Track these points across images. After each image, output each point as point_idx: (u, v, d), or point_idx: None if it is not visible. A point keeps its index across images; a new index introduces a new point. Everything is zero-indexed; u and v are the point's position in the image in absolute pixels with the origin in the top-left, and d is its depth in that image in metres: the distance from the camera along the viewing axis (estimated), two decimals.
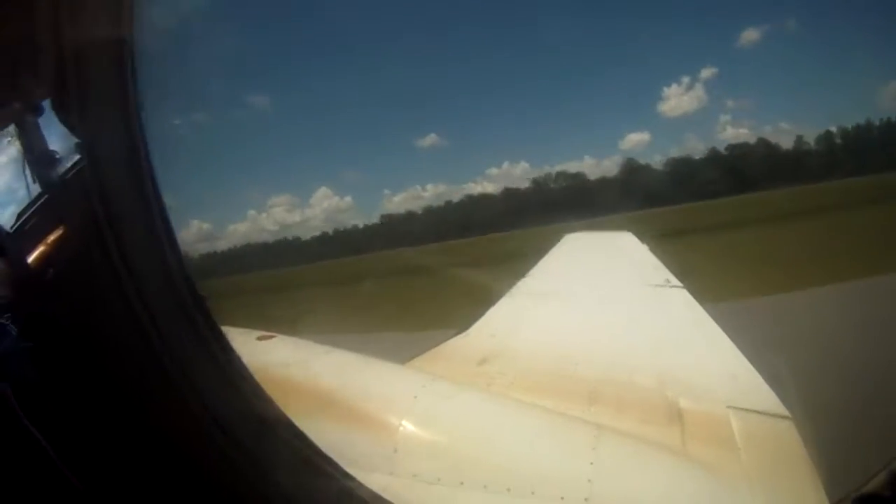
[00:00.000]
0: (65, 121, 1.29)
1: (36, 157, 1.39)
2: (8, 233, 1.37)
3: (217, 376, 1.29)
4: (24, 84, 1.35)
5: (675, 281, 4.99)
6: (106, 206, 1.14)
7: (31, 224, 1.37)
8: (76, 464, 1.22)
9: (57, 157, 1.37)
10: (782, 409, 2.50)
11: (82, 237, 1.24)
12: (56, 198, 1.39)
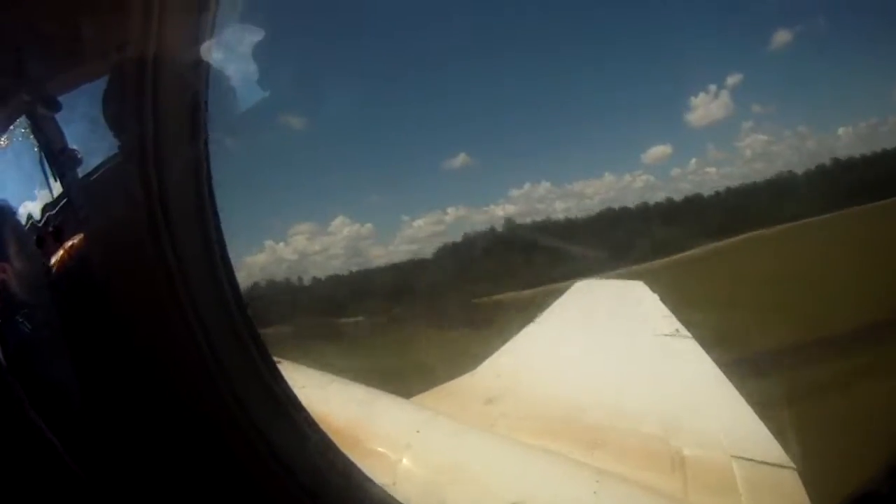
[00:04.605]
0: (114, 117, 1.24)
1: (56, 153, 1.35)
2: (35, 229, 1.34)
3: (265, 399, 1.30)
4: (33, 75, 1.32)
5: (684, 331, 4.97)
6: (162, 211, 1.14)
7: (59, 222, 1.32)
8: (89, 459, 1.22)
9: (79, 155, 1.33)
10: (786, 460, 2.47)
11: (119, 238, 1.22)
12: (89, 196, 1.34)
